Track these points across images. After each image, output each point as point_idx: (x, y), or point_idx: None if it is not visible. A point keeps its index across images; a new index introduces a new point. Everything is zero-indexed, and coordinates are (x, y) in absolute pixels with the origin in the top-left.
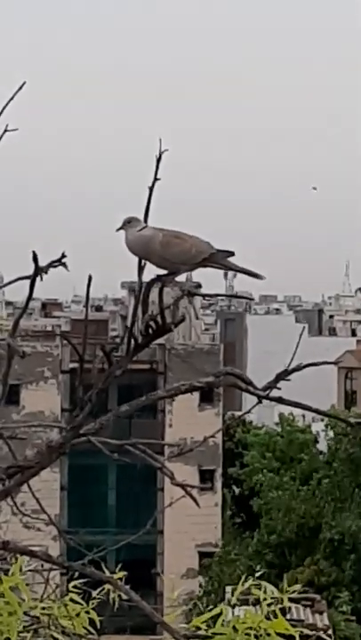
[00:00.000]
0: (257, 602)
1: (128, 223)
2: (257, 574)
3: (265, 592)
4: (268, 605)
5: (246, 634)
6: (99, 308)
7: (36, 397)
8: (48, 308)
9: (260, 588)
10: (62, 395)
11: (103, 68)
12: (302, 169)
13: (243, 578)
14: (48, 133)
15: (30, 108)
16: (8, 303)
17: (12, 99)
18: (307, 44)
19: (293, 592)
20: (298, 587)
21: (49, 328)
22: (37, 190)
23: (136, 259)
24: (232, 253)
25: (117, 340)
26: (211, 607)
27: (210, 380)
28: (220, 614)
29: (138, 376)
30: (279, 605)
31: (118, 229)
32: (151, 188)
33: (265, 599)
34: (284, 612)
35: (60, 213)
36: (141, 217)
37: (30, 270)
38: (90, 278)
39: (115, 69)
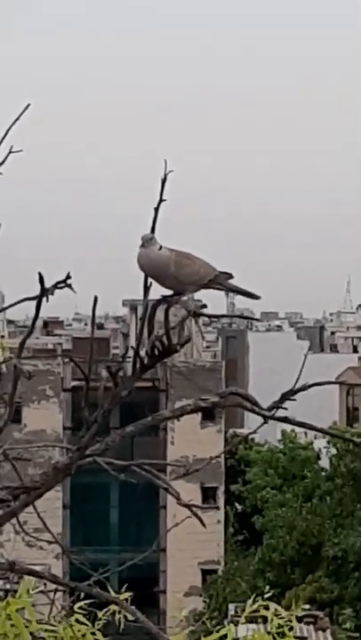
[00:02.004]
0: (262, 620)
1: (149, 240)
2: (261, 592)
3: (270, 611)
4: (277, 627)
5: None
6: (100, 326)
7: (38, 416)
8: (50, 326)
9: (265, 607)
10: (64, 413)
11: (104, 84)
12: (304, 184)
13: (248, 596)
14: (48, 146)
15: (30, 123)
16: (9, 322)
17: (16, 120)
18: (310, 67)
19: (300, 612)
20: (307, 607)
21: (50, 346)
22: (35, 205)
23: (137, 276)
24: (231, 276)
25: (122, 360)
26: (214, 625)
27: (215, 400)
28: (226, 635)
29: (139, 394)
30: (287, 625)
31: (141, 246)
32: (157, 210)
33: (272, 620)
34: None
35: (59, 231)
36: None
37: (25, 284)
38: (95, 299)
39: (117, 85)
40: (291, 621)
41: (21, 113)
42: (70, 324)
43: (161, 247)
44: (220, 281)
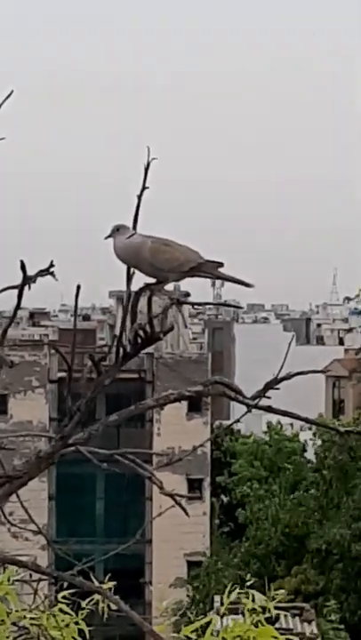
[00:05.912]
0: (244, 611)
1: (117, 230)
2: (245, 583)
3: (253, 601)
4: (256, 614)
5: None
6: (86, 317)
7: (24, 407)
8: (36, 317)
9: (248, 597)
10: (50, 404)
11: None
12: (291, 179)
13: (229, 587)
14: (31, 136)
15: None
16: None
17: None
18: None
19: (279, 601)
20: (282, 592)
21: (37, 337)
22: (17, 196)
23: (124, 267)
24: (221, 264)
25: (106, 349)
26: (199, 616)
27: (199, 389)
28: (209, 623)
29: (126, 385)
30: (266, 614)
31: (107, 237)
32: (140, 197)
33: (253, 608)
34: (271, 620)
35: (45, 222)
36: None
37: (14, 277)
38: (78, 288)
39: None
40: (270, 610)
41: (4, 100)
42: (56, 316)
43: (133, 235)
44: (206, 269)
